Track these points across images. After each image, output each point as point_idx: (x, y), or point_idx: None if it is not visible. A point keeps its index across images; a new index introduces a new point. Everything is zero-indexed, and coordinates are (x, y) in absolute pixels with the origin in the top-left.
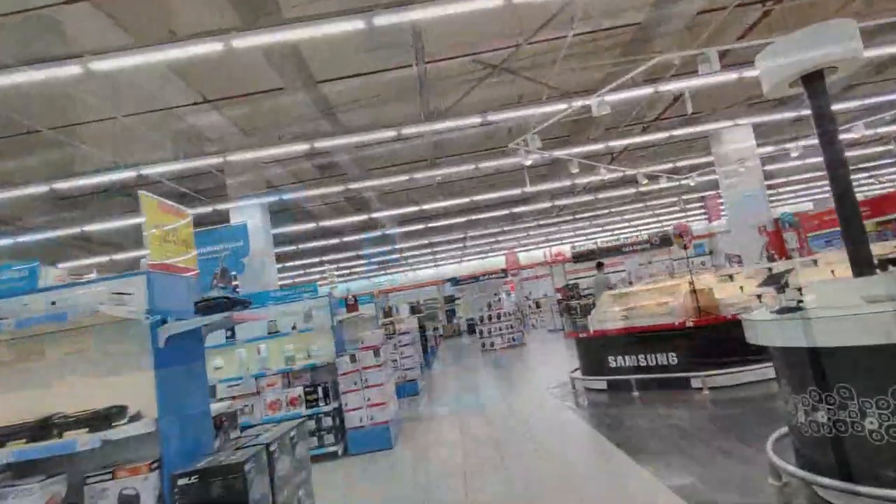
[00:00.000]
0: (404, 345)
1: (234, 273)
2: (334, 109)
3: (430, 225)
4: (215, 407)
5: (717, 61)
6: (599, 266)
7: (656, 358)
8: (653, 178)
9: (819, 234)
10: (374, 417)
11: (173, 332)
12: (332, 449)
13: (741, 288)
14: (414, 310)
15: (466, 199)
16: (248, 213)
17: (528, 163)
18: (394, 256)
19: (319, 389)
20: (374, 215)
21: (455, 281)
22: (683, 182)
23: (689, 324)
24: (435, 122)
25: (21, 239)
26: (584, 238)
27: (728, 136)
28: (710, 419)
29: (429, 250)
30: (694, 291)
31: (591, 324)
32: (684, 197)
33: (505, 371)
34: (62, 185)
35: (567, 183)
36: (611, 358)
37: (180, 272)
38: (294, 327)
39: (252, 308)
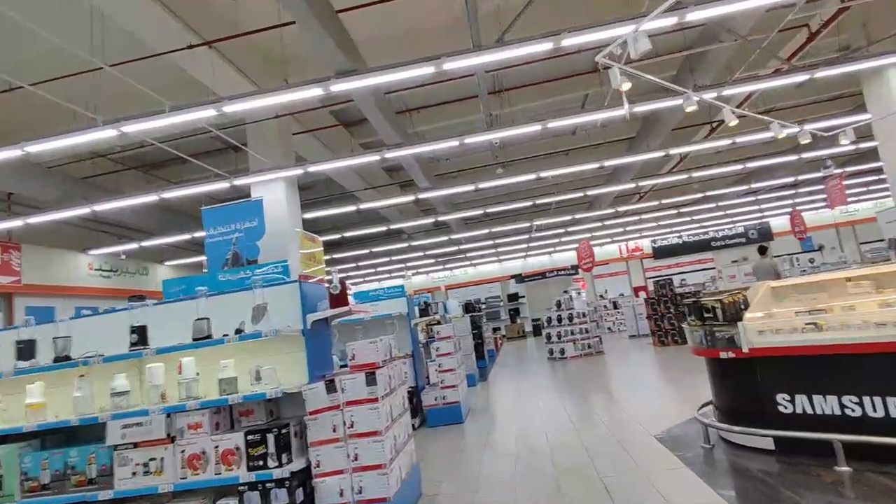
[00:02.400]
0: (442, 354)
1: (247, 259)
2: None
3: (489, 210)
4: None
5: None
6: (762, 250)
7: (886, 404)
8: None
9: None
10: (367, 492)
11: None
12: None
13: None
14: (468, 308)
15: (532, 176)
16: (270, 189)
17: (626, 86)
18: (451, 249)
19: (271, 438)
20: (424, 195)
21: (520, 277)
22: (832, 133)
23: None
24: (488, 52)
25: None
26: (668, 230)
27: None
28: None
29: (490, 242)
30: None
31: (743, 335)
32: (801, 178)
33: (582, 395)
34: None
35: (658, 154)
36: (783, 397)
37: None
38: (240, 330)
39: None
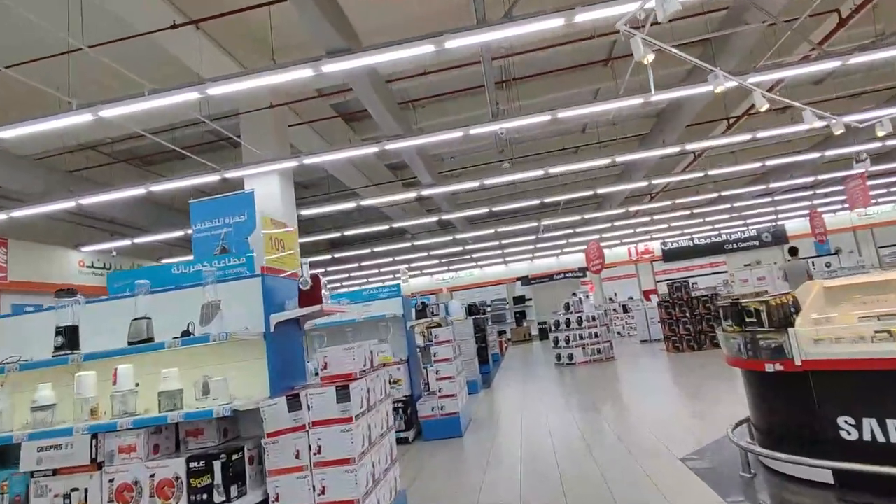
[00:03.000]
0: (440, 360)
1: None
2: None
3: (494, 208)
4: None
5: None
6: (794, 252)
7: None
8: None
9: None
10: None
11: None
12: None
13: None
14: (472, 310)
15: (540, 172)
16: (263, 182)
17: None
18: (456, 249)
19: (217, 466)
20: (427, 191)
21: (526, 280)
22: (867, 124)
23: None
24: (494, 28)
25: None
26: (679, 233)
27: None
28: None
29: (496, 242)
30: None
31: (795, 344)
32: (820, 178)
33: (594, 406)
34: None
35: (674, 150)
36: (846, 421)
37: None
38: (187, 333)
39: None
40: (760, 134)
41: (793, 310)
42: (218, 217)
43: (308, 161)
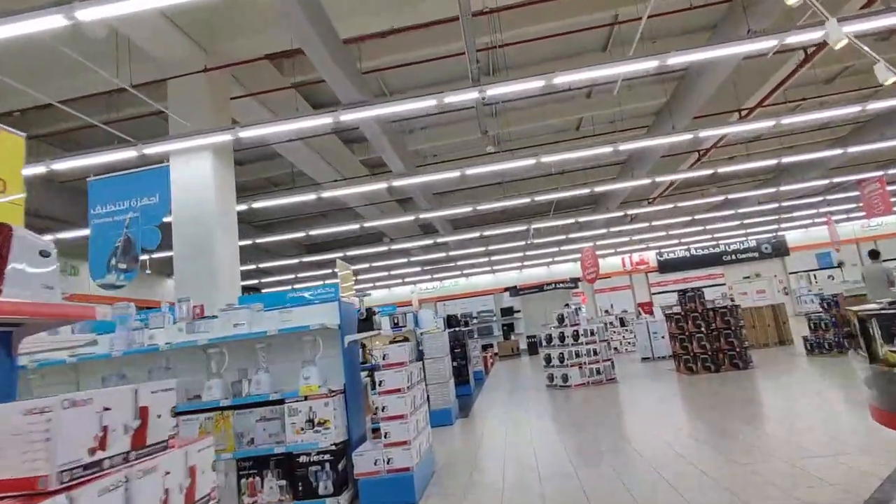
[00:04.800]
0: (388, 391)
1: (142, 248)
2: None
3: (479, 207)
4: None
5: None
6: (874, 255)
7: None
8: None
9: None
10: None
11: None
12: None
13: None
14: (451, 321)
15: (531, 161)
16: (193, 161)
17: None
18: (438, 255)
19: None
20: (399, 181)
21: (515, 290)
22: None
23: None
24: None
25: None
26: (676, 242)
27: None
28: None
29: (482, 248)
30: None
31: None
32: (835, 181)
33: (600, 451)
34: None
35: (686, 137)
36: None
37: None
38: None
39: None
40: (786, 120)
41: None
42: (123, 199)
43: (246, 133)
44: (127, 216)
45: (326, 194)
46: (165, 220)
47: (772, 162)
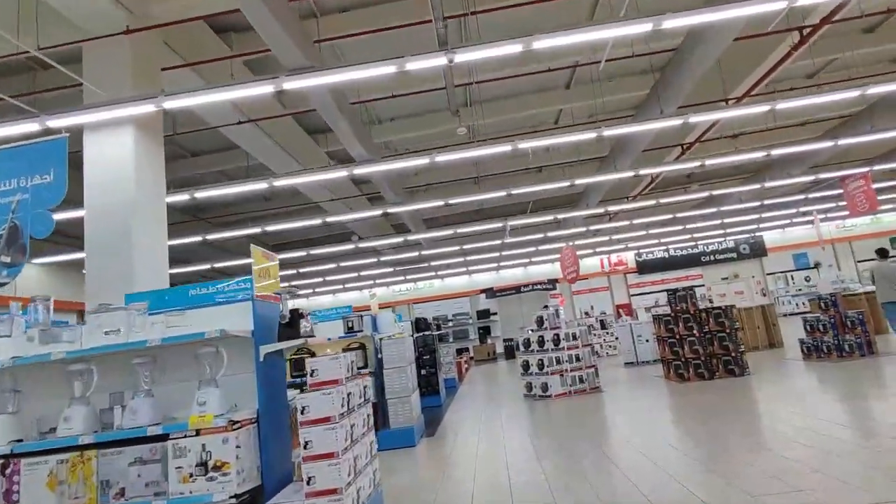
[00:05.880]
0: (313, 422)
1: (31, 236)
2: None
3: (451, 201)
4: None
5: None
6: (883, 254)
7: None
8: None
9: None
10: None
11: None
12: None
13: None
14: (420, 325)
15: (507, 148)
16: (111, 137)
17: None
18: (411, 255)
19: None
20: (361, 169)
21: (491, 292)
22: None
23: None
24: None
25: None
26: (655, 241)
27: None
28: None
29: (457, 248)
30: None
31: None
32: (821, 177)
33: (595, 489)
34: None
35: (676, 122)
36: None
37: None
38: None
39: None
40: (781, 106)
41: None
42: (9, 177)
43: (172, 103)
44: (14, 198)
45: (280, 183)
46: (77, 211)
47: (760, 154)
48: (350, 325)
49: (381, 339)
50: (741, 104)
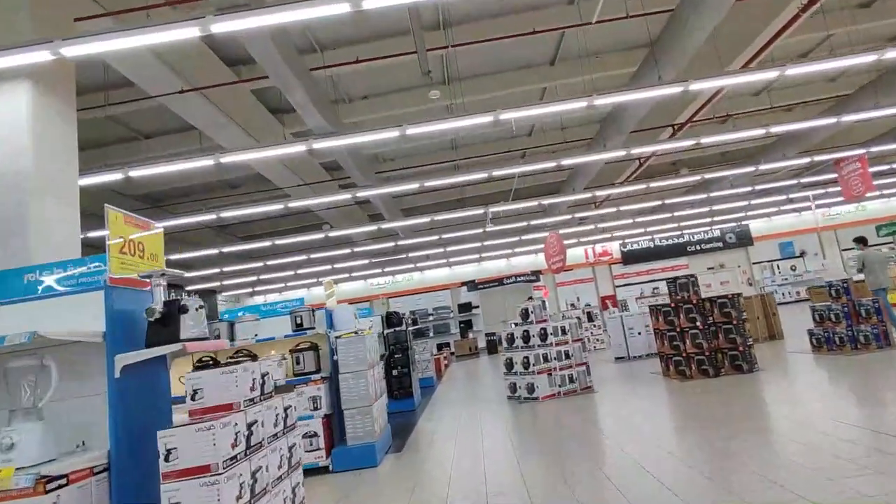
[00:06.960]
0: (184, 473)
1: None
2: None
3: (427, 184)
4: None
5: None
6: (864, 241)
7: None
8: None
9: None
10: None
11: None
12: None
13: None
14: (391, 319)
15: (488, 118)
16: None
17: None
18: (387, 245)
19: None
20: (321, 143)
21: (472, 284)
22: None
23: None
24: None
25: None
26: (641, 231)
27: None
28: None
29: (436, 237)
30: None
31: None
32: (816, 159)
33: None
34: None
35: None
36: None
37: None
38: None
39: None
40: (791, 71)
41: None
42: None
43: (73, 50)
44: None
45: (228, 159)
46: None
47: (759, 132)
48: (299, 320)
49: (336, 338)
50: (747, 70)
